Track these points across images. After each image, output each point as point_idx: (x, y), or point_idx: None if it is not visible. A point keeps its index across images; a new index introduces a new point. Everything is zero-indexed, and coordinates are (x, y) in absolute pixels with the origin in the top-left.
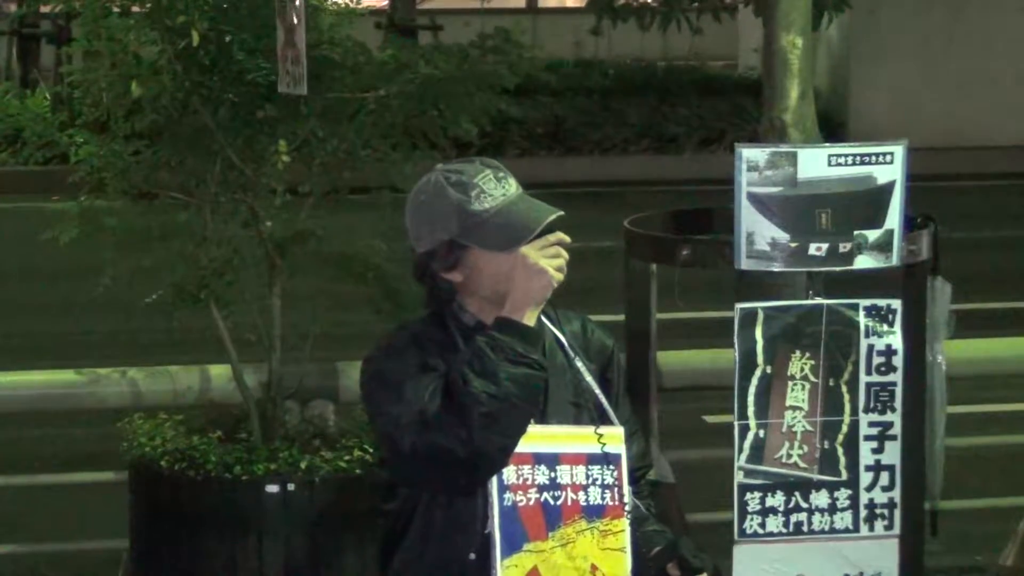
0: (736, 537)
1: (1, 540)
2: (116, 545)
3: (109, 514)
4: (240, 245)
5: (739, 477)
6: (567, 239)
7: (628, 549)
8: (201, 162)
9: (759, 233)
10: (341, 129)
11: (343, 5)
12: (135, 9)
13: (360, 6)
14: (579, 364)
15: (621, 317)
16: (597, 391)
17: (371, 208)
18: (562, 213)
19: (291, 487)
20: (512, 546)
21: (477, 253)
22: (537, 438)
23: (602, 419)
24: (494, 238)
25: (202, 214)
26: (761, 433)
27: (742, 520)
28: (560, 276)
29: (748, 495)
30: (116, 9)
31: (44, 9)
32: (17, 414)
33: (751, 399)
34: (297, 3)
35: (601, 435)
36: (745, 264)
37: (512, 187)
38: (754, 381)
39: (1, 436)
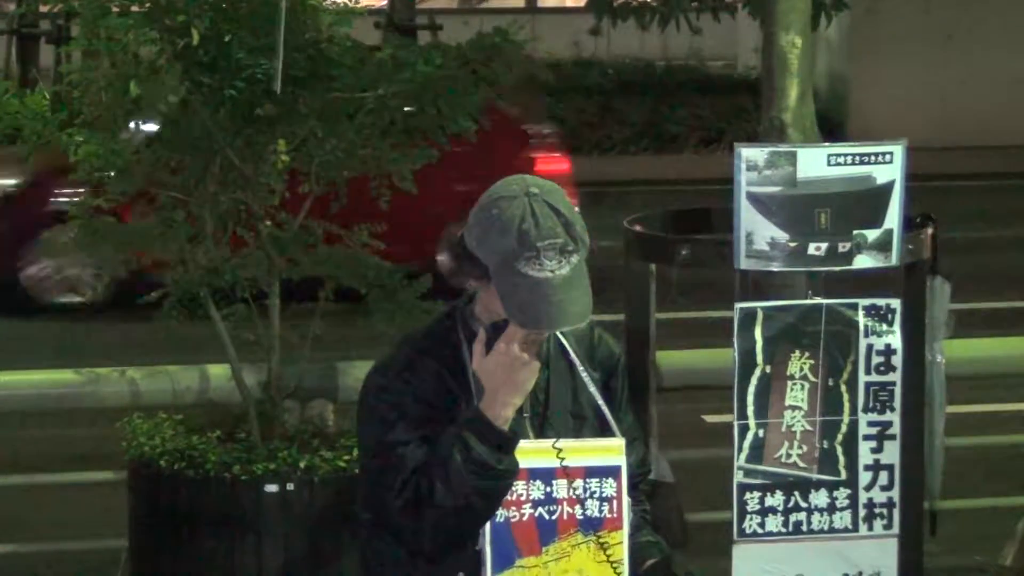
0: (735, 537)
1: (1, 540)
2: (115, 545)
3: (108, 514)
4: (239, 245)
5: (738, 477)
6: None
7: (626, 561)
8: (200, 162)
9: (758, 233)
10: (340, 128)
11: (342, 4)
12: (134, 9)
13: (359, 6)
14: (582, 372)
15: (621, 317)
16: (599, 401)
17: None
18: (589, 320)
19: (290, 487)
20: (503, 563)
21: (493, 292)
22: (532, 453)
23: (603, 429)
24: (512, 302)
25: (201, 214)
26: (760, 433)
27: (741, 520)
28: (535, 363)
29: (747, 495)
30: (115, 9)
31: (43, 8)
32: (16, 414)
33: (750, 399)
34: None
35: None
36: (744, 264)
37: (566, 269)
38: (753, 381)
39: (0, 435)
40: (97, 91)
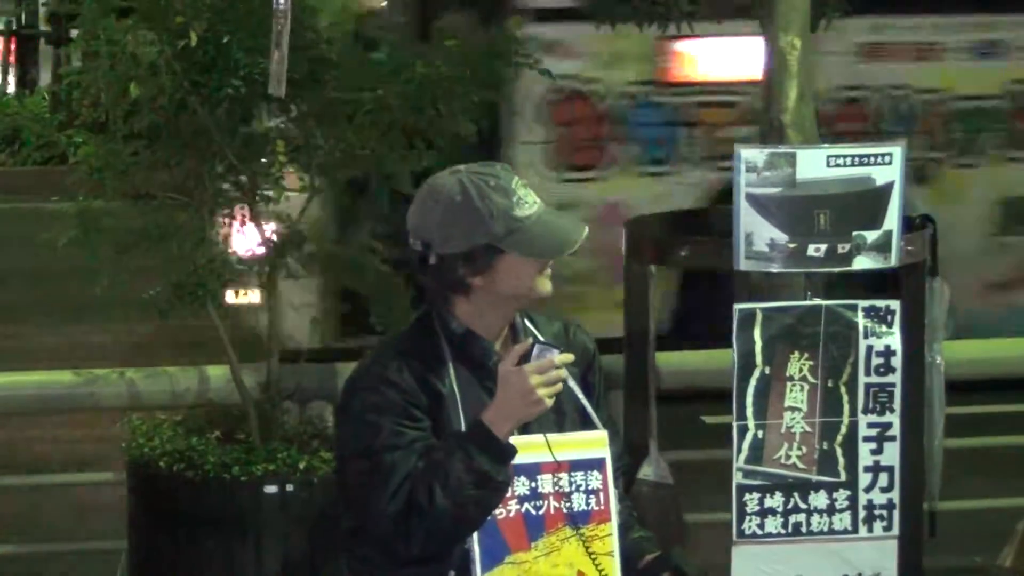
0: (734, 538)
1: (1, 540)
2: (115, 545)
3: (108, 514)
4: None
5: (737, 478)
6: (570, 358)
7: (616, 553)
8: (199, 162)
9: (758, 234)
10: (339, 130)
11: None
12: (133, 9)
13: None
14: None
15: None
16: (579, 395)
17: (369, 209)
18: (587, 230)
19: (289, 488)
20: (492, 560)
21: (511, 259)
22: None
23: (584, 423)
24: (536, 245)
25: (200, 214)
26: (760, 434)
27: (741, 521)
28: (550, 403)
29: (747, 496)
30: (115, 10)
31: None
32: (16, 414)
33: (750, 400)
34: (282, 4)
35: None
36: (744, 265)
37: (539, 201)
38: (753, 382)
39: (1, 436)
40: (96, 92)
